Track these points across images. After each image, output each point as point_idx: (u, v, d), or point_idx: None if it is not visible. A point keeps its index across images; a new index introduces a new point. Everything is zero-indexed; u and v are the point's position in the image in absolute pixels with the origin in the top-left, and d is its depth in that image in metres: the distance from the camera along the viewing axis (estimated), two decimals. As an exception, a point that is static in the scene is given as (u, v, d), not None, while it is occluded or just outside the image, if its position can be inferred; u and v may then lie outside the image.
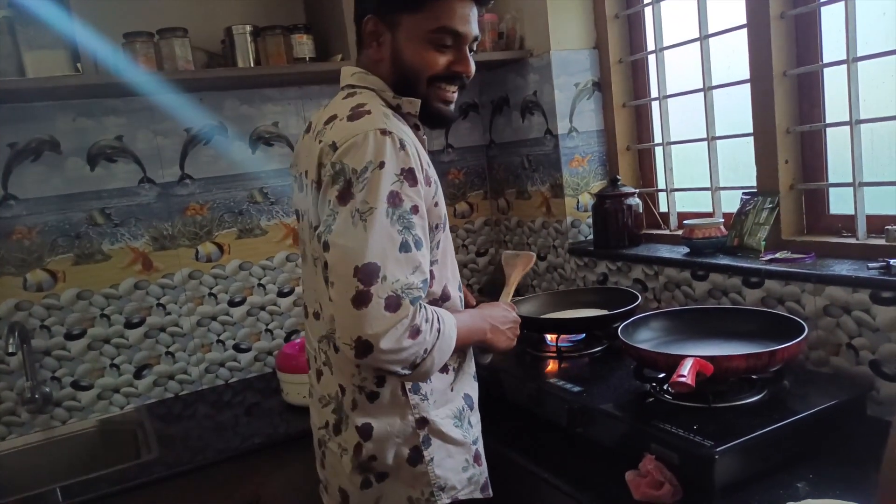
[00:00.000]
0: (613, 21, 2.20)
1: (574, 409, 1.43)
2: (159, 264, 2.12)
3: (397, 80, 1.18)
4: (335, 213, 1.05)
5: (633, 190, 2.11)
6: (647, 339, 1.51)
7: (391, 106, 1.18)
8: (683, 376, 1.16)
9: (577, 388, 1.46)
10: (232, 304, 2.22)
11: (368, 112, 1.10)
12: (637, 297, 1.75)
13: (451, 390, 1.24)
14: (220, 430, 1.87)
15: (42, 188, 1.96)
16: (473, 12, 1.17)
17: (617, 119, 2.24)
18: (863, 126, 1.57)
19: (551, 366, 1.66)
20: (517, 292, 1.60)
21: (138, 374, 2.11)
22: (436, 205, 1.15)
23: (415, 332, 1.02)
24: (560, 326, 1.75)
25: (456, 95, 1.23)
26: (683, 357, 1.23)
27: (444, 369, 1.22)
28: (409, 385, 1.17)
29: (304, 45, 2.07)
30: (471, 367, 1.31)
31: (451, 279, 1.26)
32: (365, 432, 1.18)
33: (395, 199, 1.04)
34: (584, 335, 1.76)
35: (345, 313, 1.00)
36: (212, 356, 2.20)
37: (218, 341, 2.21)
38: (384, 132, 1.06)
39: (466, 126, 2.59)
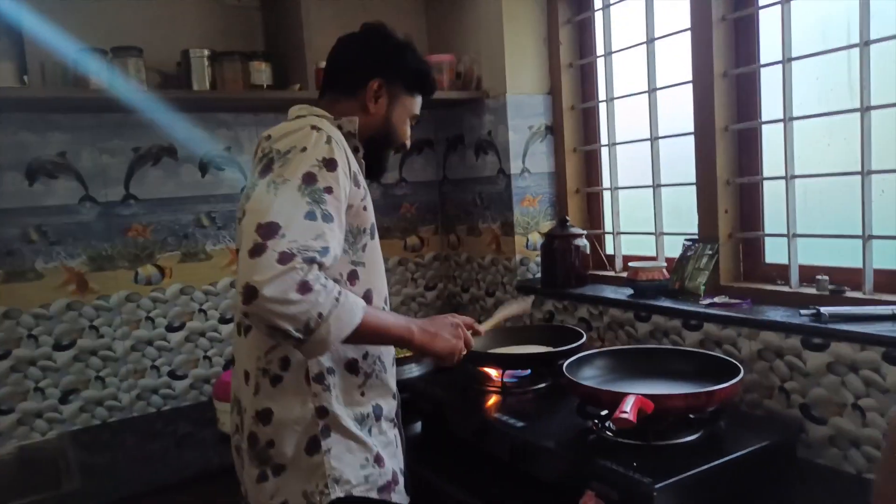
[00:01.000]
0: (567, 69, 2.29)
1: (517, 444, 1.43)
2: (95, 285, 2.04)
3: (379, 135, 1.39)
4: (255, 185, 1.16)
5: (581, 231, 2.16)
6: (590, 376, 1.53)
7: (335, 126, 1.30)
8: (626, 412, 1.18)
9: (520, 424, 1.46)
10: (170, 328, 2.15)
11: (305, 117, 1.28)
12: (582, 336, 1.77)
13: (362, 395, 1.28)
14: (148, 461, 1.79)
15: (-25, 201, 1.88)
16: None
17: (568, 162, 2.30)
18: (797, 181, 1.66)
19: (495, 401, 1.65)
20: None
21: (64, 399, 2.00)
22: (364, 209, 1.27)
23: (304, 287, 1.04)
24: (505, 361, 1.75)
25: None
26: (626, 394, 1.25)
27: (354, 370, 1.26)
28: (313, 373, 1.21)
29: (262, 72, 2.07)
30: (387, 379, 1.34)
31: (376, 287, 1.31)
32: (264, 417, 1.22)
33: (309, 178, 1.14)
34: (528, 371, 1.77)
35: (242, 264, 1.06)
36: (145, 382, 2.11)
37: (152, 367, 2.12)
38: (314, 128, 1.20)
39: (421, 161, 2.61)
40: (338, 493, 1.21)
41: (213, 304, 2.21)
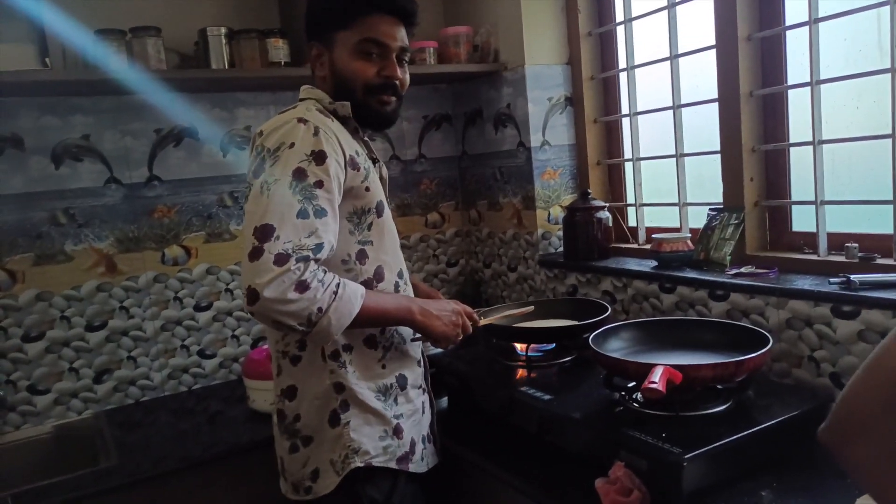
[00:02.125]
0: (586, 38, 2.25)
1: (544, 416, 1.43)
2: (123, 267, 2.07)
3: (338, 91, 1.33)
4: (250, 185, 1.20)
5: (603, 204, 2.14)
6: (617, 348, 1.53)
7: (330, 111, 1.32)
8: (654, 383, 1.18)
9: (547, 397, 1.47)
10: (198, 308, 2.18)
11: (294, 107, 1.28)
12: (606, 309, 1.77)
13: (383, 367, 1.34)
14: (181, 438, 1.83)
15: (3, 186, 1.91)
16: (400, 30, 1.33)
17: (588, 134, 2.27)
18: (824, 146, 1.62)
19: (521, 375, 1.66)
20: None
21: (98, 379, 2.05)
22: (367, 189, 1.29)
23: (302, 286, 1.11)
24: (530, 336, 1.75)
25: (394, 101, 1.36)
26: (654, 365, 1.25)
27: (372, 345, 1.32)
28: (328, 352, 1.28)
29: (279, 49, 2.06)
30: (411, 350, 1.40)
31: (388, 263, 1.35)
32: (289, 393, 1.32)
33: (300, 174, 1.17)
34: (553, 345, 1.77)
35: (244, 267, 1.13)
36: (175, 362, 2.15)
37: (182, 346, 2.16)
38: (301, 120, 1.21)
39: (439, 137, 2.60)
40: (357, 462, 1.28)
41: (238, 284, 2.24)
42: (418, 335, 1.38)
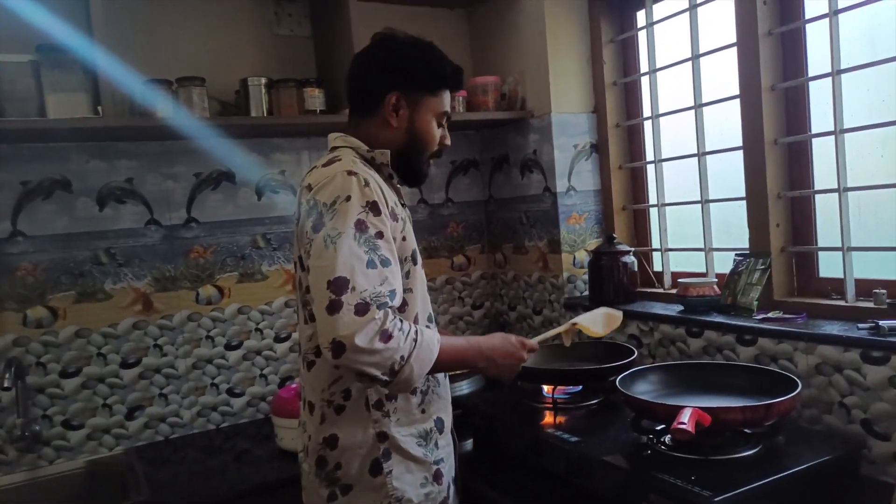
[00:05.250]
0: (611, 88, 2.31)
1: (572, 458, 1.44)
2: (159, 305, 2.13)
3: (408, 146, 1.37)
4: (311, 240, 1.21)
5: (628, 248, 2.16)
6: (644, 391, 1.53)
7: (366, 159, 1.35)
8: (684, 423, 1.18)
9: (574, 439, 1.47)
10: (228, 347, 2.22)
11: (339, 159, 1.29)
12: (633, 352, 1.77)
13: (423, 412, 1.34)
14: (208, 475, 1.85)
15: (50, 226, 1.99)
16: None
17: (613, 180, 2.31)
18: (850, 193, 1.64)
19: (548, 417, 1.66)
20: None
21: (130, 416, 2.09)
22: (404, 239, 1.31)
23: (385, 336, 1.13)
24: (557, 377, 1.76)
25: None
26: (682, 407, 1.25)
27: (412, 391, 1.31)
28: (372, 401, 1.28)
29: (315, 98, 2.15)
30: (443, 392, 1.40)
31: (422, 310, 1.37)
32: (331, 442, 1.29)
33: (361, 226, 1.19)
34: (580, 388, 1.77)
35: (322, 321, 1.14)
36: (205, 399, 2.19)
37: (212, 384, 2.20)
38: (350, 172, 1.23)
39: (466, 181, 2.66)
40: None
41: (268, 324, 2.28)
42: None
